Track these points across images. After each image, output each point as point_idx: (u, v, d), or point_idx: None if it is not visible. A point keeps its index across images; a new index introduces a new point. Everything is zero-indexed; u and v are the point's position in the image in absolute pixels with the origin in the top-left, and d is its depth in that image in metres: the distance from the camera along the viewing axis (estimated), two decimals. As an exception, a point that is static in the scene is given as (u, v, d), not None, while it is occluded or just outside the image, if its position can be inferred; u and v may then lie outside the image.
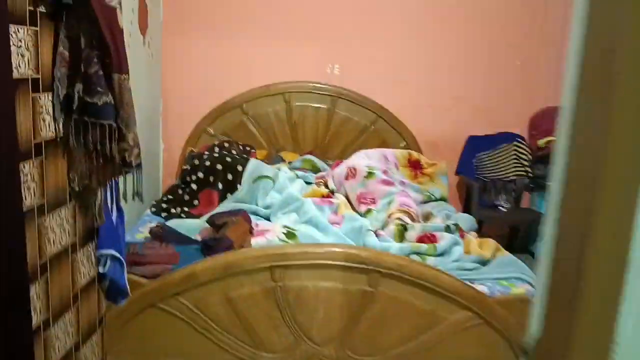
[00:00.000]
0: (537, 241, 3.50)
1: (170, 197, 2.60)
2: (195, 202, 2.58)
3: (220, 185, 2.61)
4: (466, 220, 2.45)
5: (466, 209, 3.54)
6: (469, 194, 3.53)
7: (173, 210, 2.42)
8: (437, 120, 3.56)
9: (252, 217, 2.40)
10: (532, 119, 3.56)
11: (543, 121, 3.48)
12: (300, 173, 2.82)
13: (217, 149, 2.98)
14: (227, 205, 2.53)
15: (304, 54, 3.43)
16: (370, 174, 2.65)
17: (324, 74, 3.44)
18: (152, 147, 3.34)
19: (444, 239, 2.07)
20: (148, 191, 3.19)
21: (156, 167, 3.48)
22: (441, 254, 2.03)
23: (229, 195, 2.61)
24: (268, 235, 1.95)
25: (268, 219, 2.40)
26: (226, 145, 3.04)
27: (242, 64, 3.41)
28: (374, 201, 2.54)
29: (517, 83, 3.54)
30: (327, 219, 2.29)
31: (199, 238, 2.04)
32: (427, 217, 2.48)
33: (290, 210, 2.31)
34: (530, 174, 3.45)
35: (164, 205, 2.47)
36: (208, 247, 1.85)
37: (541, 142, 3.42)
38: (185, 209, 2.51)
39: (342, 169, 2.79)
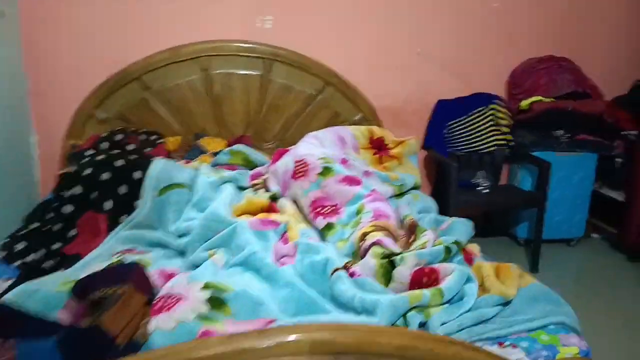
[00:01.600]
0: (518, 222, 2.95)
1: (32, 226, 1.73)
2: (72, 232, 1.74)
3: (108, 205, 1.77)
4: (462, 228, 1.78)
5: (437, 192, 2.90)
6: (440, 172, 2.88)
7: (30, 258, 1.55)
8: (398, 83, 2.84)
9: (161, 254, 1.61)
10: (512, 75, 2.93)
11: (526, 77, 2.85)
12: (227, 173, 2.01)
13: (104, 144, 2.11)
14: (122, 234, 1.71)
15: (223, 3, 2.55)
16: (327, 170, 1.90)
17: (252, 29, 2.59)
18: (17, 140, 2.40)
19: (450, 275, 1.39)
20: (18, 206, 2.28)
21: (27, 168, 2.55)
22: (449, 300, 1.36)
23: (123, 218, 1.78)
24: (180, 309, 1.18)
25: (184, 253, 1.61)
26: (117, 137, 2.16)
27: (138, 21, 2.49)
28: (335, 210, 1.81)
29: (494, 31, 2.87)
30: (274, 253, 1.54)
31: (63, 318, 1.23)
32: (410, 228, 1.78)
33: (215, 244, 1.53)
34: (511, 143, 2.85)
35: (20, 247, 1.61)
36: (70, 345, 1.06)
37: (524, 103, 2.80)
38: (56, 246, 1.66)
39: (287, 162, 2.01)
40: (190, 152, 2.39)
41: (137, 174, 1.85)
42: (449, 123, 2.85)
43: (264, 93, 2.61)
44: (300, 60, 2.58)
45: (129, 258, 1.56)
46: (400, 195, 2.22)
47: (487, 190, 2.71)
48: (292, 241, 1.58)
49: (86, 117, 2.46)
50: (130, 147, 2.15)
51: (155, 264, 1.55)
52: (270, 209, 1.81)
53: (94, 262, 1.55)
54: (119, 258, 1.58)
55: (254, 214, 1.81)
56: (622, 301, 2.45)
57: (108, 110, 2.49)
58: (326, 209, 1.82)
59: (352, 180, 1.89)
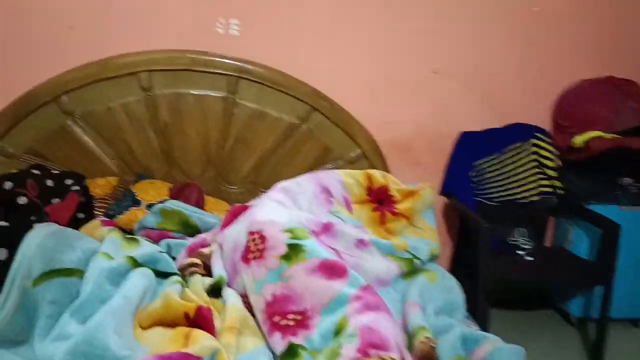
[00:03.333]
0: (571, 295, 2.23)
1: None
2: None
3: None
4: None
5: (460, 255, 2.21)
6: (465, 227, 2.19)
7: None
8: (409, 109, 2.16)
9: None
10: (561, 102, 2.23)
11: (579, 106, 2.16)
12: (144, 249, 1.32)
13: (-20, 198, 1.46)
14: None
15: (173, 1, 1.91)
16: (294, 250, 1.22)
17: (212, 36, 1.94)
18: None
19: None
20: None
21: None
22: None
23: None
24: None
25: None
26: (7, 185, 1.51)
27: (55, 24, 1.84)
28: (303, 320, 1.13)
29: (535, 43, 2.19)
30: None
31: None
32: (425, 358, 1.09)
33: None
34: (559, 191, 2.15)
35: None
36: None
37: (579, 139, 2.10)
38: None
39: (237, 233, 1.34)
40: (119, 202, 1.73)
41: (1, 253, 1.19)
42: (477, 162, 2.17)
43: (228, 121, 1.95)
44: (276, 78, 1.92)
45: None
46: (410, 274, 1.55)
47: (531, 257, 2.01)
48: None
49: (-13, 150, 1.83)
50: (22, 200, 1.50)
51: None
52: (198, 316, 1.13)
53: None
54: None
55: (172, 324, 1.14)
56: None
57: (16, 143, 1.85)
58: (289, 317, 1.14)
59: (332, 269, 1.20)
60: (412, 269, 1.55)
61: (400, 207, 1.71)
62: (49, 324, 1.12)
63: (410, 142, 2.18)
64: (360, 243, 1.49)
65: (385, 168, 2.08)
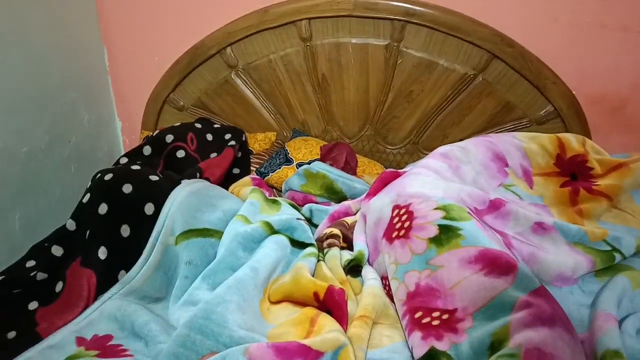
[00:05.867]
0: None
1: (5, 276, 1.23)
2: (59, 287, 1.18)
3: (102, 253, 1.16)
4: None
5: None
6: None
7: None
8: (625, 57, 1.66)
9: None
10: None
11: None
12: (281, 215, 1.22)
13: (147, 149, 1.52)
14: (109, 305, 1.09)
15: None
16: (447, 234, 0.99)
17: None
18: (104, 125, 2.01)
19: None
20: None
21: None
22: None
23: (122, 274, 1.16)
24: None
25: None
26: (168, 138, 1.55)
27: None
28: (451, 321, 0.91)
29: None
30: None
31: None
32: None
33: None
34: None
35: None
36: None
37: None
38: (32, 306, 1.11)
39: (382, 204, 1.15)
40: (272, 160, 1.68)
41: (148, 208, 1.20)
42: None
43: (390, 72, 1.73)
44: (449, 21, 1.62)
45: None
46: (606, 272, 1.19)
47: None
48: None
49: (161, 103, 1.93)
50: (180, 154, 1.53)
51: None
52: (328, 298, 0.99)
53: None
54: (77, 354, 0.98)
55: (301, 303, 1.03)
56: None
57: (185, 96, 1.91)
58: (434, 316, 0.93)
59: (495, 262, 0.94)
60: (610, 266, 1.20)
61: (601, 183, 1.32)
62: (185, 285, 1.10)
63: (624, 100, 1.69)
64: (540, 227, 1.18)
65: (585, 132, 1.66)
